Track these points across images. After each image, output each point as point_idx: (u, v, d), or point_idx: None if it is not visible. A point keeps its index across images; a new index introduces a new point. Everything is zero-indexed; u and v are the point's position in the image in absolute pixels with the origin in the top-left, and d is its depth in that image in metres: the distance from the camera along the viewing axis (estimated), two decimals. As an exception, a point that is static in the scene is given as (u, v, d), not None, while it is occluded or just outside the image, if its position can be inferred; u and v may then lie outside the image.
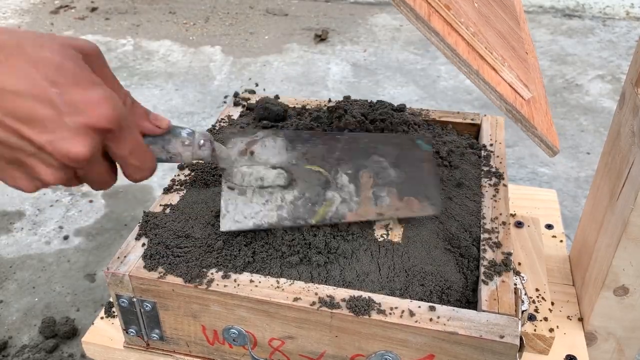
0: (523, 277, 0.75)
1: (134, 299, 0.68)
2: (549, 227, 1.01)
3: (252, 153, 0.69)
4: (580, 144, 2.23)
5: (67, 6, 3.60)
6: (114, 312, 0.80)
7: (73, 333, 1.43)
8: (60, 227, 1.81)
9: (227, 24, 3.40)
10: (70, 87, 0.42)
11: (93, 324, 0.81)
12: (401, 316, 0.60)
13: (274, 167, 0.69)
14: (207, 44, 3.13)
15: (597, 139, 2.25)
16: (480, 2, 0.73)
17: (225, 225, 0.67)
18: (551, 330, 0.76)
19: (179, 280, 0.64)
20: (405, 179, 0.72)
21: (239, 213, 0.67)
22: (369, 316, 0.60)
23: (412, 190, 0.71)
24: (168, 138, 0.54)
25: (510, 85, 0.63)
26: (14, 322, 1.48)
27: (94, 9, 3.56)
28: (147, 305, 0.68)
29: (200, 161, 0.63)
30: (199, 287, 0.63)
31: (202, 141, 0.56)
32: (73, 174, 0.46)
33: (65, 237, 1.76)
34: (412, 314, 0.60)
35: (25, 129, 0.41)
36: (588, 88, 2.66)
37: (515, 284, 0.64)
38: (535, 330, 0.76)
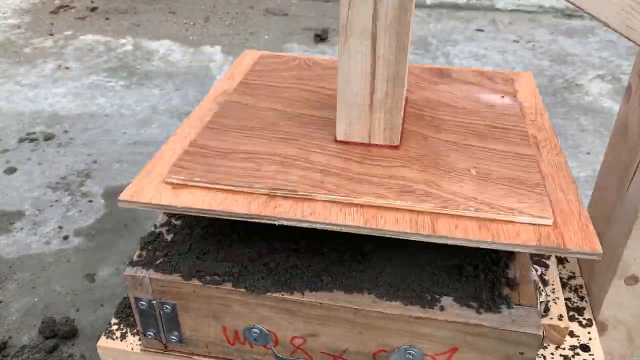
0: (536, 269, 0.76)
1: (154, 302, 0.68)
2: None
3: None
4: (580, 144, 2.23)
5: (67, 6, 3.59)
6: (128, 314, 0.80)
7: (73, 333, 1.43)
8: (60, 227, 1.80)
9: (227, 24, 3.40)
10: None
11: (109, 325, 0.80)
12: (425, 310, 0.61)
13: None
14: (207, 44, 3.13)
15: (597, 139, 2.25)
16: (477, 157, 0.77)
17: None
18: (563, 319, 0.77)
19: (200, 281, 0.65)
20: None
21: None
22: (392, 311, 0.61)
23: None
24: None
25: (530, 224, 0.66)
26: (14, 322, 1.48)
27: (94, 9, 3.56)
28: (166, 307, 0.68)
29: None
30: (221, 287, 0.63)
31: None
32: None
33: (65, 237, 1.76)
34: (435, 307, 0.61)
35: None
36: (588, 88, 2.66)
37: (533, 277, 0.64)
38: (550, 320, 0.76)
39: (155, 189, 0.68)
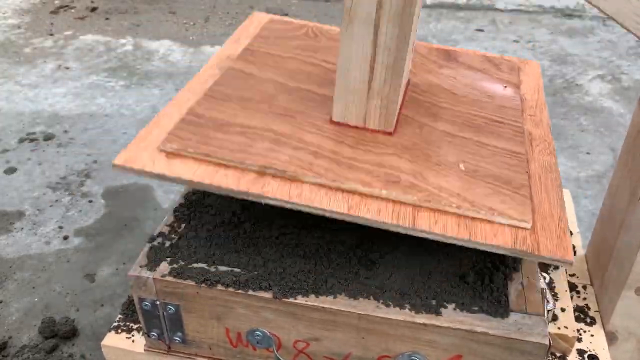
0: (544, 276, 0.75)
1: (157, 302, 0.68)
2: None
3: None
4: (580, 144, 2.23)
5: (67, 6, 3.59)
6: (132, 314, 0.80)
7: (73, 333, 1.43)
8: (60, 227, 1.80)
9: (227, 24, 3.40)
10: None
11: (111, 326, 0.80)
12: (430, 316, 0.60)
13: None
14: (207, 44, 3.13)
15: (597, 139, 2.24)
16: (468, 151, 0.77)
17: None
18: (572, 329, 0.76)
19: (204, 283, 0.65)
20: None
21: None
22: (396, 316, 0.60)
23: None
24: None
25: (509, 226, 0.66)
26: (14, 322, 1.48)
27: (94, 9, 3.56)
28: (170, 308, 0.68)
29: None
30: (224, 289, 0.63)
31: None
32: None
33: (65, 237, 1.76)
34: (440, 314, 0.60)
35: None
36: (588, 88, 2.66)
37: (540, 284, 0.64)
38: (558, 329, 0.76)
39: (149, 156, 0.68)
